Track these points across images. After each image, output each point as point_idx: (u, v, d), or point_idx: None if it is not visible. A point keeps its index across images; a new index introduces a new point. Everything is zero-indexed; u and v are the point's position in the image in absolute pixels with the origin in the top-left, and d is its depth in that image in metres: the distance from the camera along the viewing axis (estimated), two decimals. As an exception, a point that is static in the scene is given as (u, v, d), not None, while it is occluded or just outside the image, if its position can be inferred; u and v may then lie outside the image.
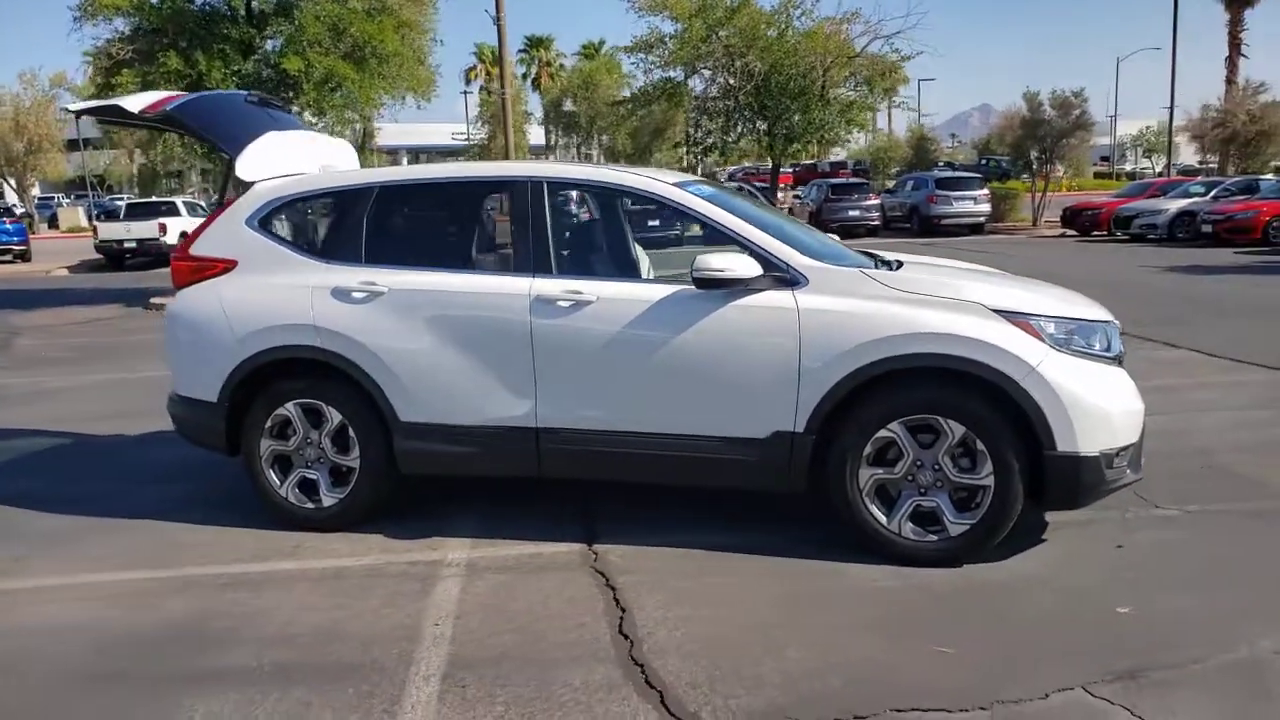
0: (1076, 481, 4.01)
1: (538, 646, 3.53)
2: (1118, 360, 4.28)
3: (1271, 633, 3.45)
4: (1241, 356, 8.56)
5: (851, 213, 26.95)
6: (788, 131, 15.19)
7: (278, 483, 4.82)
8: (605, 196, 5.34)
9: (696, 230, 4.73)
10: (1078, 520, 4.59)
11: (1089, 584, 3.96)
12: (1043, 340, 4.04)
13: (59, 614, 3.96)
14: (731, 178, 35.06)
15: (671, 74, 16.38)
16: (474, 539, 4.62)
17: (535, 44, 59.52)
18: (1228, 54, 35.62)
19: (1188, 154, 72.25)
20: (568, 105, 34.89)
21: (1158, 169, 66.38)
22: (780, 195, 27.35)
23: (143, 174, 45.81)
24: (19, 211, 36.91)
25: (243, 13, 15.54)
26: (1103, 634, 3.51)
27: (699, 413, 4.29)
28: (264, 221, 4.91)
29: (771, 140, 15.39)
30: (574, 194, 5.57)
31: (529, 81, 59.16)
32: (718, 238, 4.39)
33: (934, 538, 4.14)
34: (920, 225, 26.95)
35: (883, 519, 4.17)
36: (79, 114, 5.45)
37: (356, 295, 4.61)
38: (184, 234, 26.98)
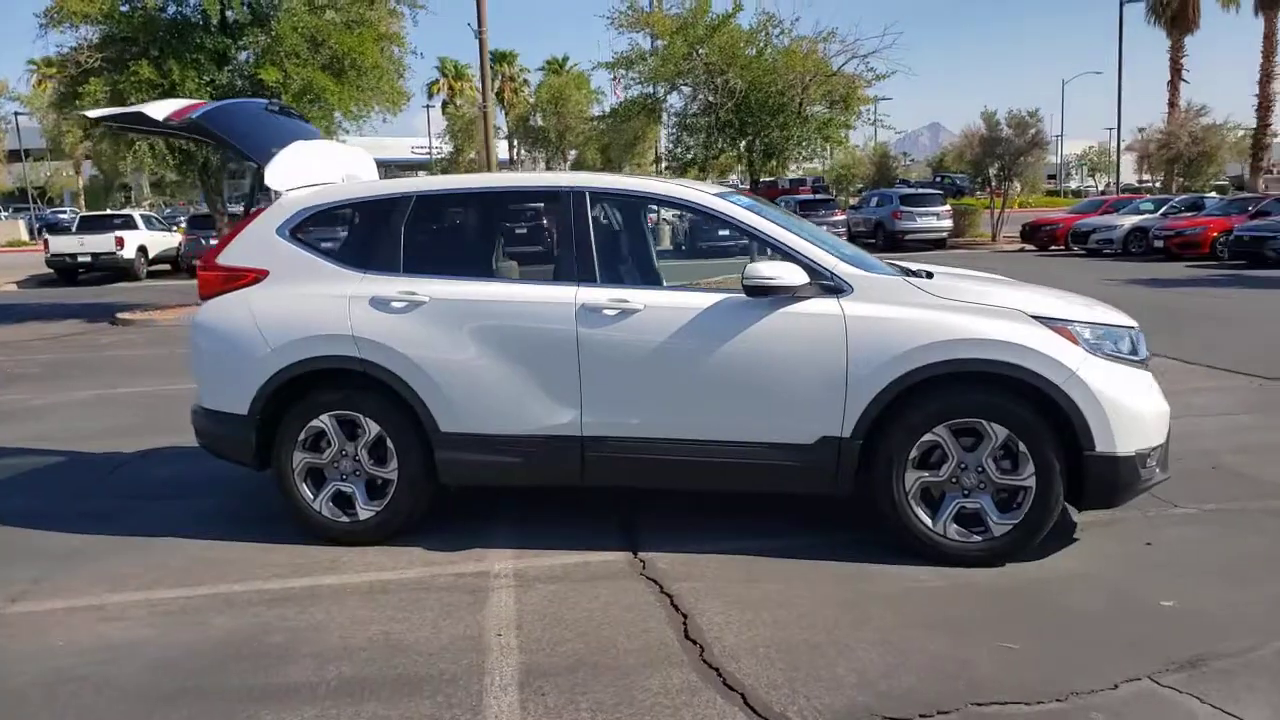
0: (1115, 481, 4.13)
1: (608, 653, 3.54)
2: (1144, 363, 4.42)
3: (1317, 623, 3.58)
4: (1217, 364, 8.86)
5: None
6: (766, 147, 15.38)
7: (311, 496, 4.76)
8: (647, 207, 5.38)
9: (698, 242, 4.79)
10: (1103, 520, 4.72)
11: (1128, 580, 4.07)
12: (1080, 345, 4.16)
13: (99, 634, 3.87)
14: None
15: (651, 90, 16.53)
16: (516, 549, 4.61)
17: (499, 59, 59.29)
18: (1169, 78, 36.77)
19: (1128, 173, 74.34)
20: (537, 120, 34.88)
21: (1100, 187, 68.26)
22: None
23: (93, 186, 44.78)
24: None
25: (216, 22, 15.32)
26: (1153, 627, 3.61)
27: (746, 419, 4.34)
28: (296, 231, 4.87)
29: (751, 156, 15.56)
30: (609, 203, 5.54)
31: (489, 95, 59.07)
32: (761, 247, 4.45)
33: (978, 538, 4.23)
34: (885, 240, 27.38)
35: (928, 521, 4.25)
36: (97, 121, 5.35)
37: (396, 305, 4.59)
38: (142, 248, 26.54)
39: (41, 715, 3.25)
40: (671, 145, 17.26)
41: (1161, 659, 3.33)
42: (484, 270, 4.84)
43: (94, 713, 3.26)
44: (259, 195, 5.19)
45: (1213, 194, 28.25)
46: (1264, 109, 33.15)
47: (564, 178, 4.80)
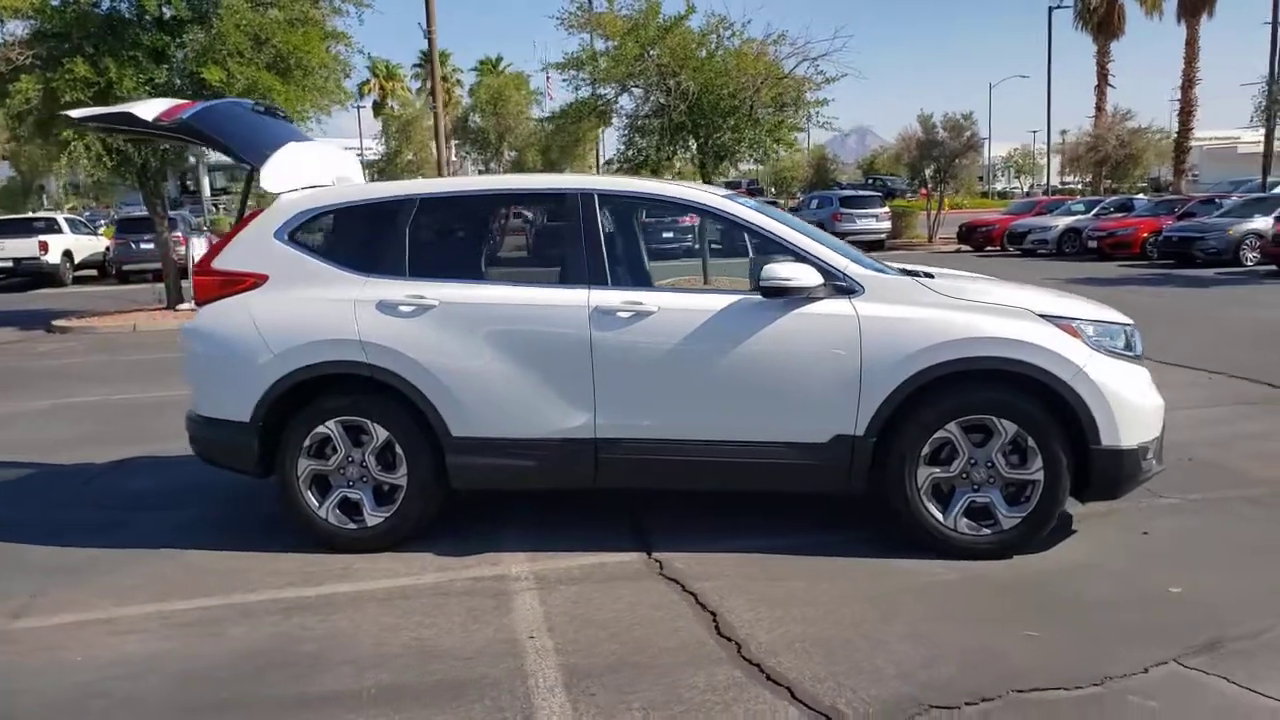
0: (1119, 474, 4.28)
1: (646, 653, 3.55)
2: (1140, 359, 4.58)
3: (1318, 604, 3.77)
4: (1167, 359, 9.18)
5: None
6: (718, 149, 15.51)
7: (316, 504, 4.68)
8: (654, 209, 5.40)
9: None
10: (1099, 511, 4.88)
11: (1132, 568, 4.22)
12: (1084, 342, 4.30)
13: (117, 648, 3.76)
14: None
15: (603, 91, 16.54)
16: (529, 552, 4.60)
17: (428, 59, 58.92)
18: (1096, 83, 38.02)
19: (1053, 174, 76.53)
20: (475, 120, 34.62)
21: (1025, 189, 70.28)
22: None
23: (10, 187, 43.03)
24: None
25: (153, 18, 14.88)
26: (1166, 612, 3.76)
27: (761, 419, 4.39)
28: (295, 234, 4.78)
29: (703, 158, 15.68)
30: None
31: (420, 96, 58.40)
32: (772, 249, 4.51)
33: (988, 531, 4.34)
34: (825, 241, 27.78)
35: (939, 516, 4.35)
36: (81, 121, 5.17)
37: (404, 309, 4.54)
38: (67, 253, 25.65)
39: (73, 733, 3.16)
40: (623, 147, 17.33)
41: (1181, 643, 3.46)
42: (491, 273, 4.82)
43: (130, 729, 3.18)
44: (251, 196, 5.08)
45: (1141, 195, 29.31)
46: (1186, 114, 34.51)
47: (572, 180, 4.81)
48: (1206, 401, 7.51)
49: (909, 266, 5.18)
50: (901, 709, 3.09)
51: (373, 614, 3.99)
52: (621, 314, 4.42)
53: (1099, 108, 37.54)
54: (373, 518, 4.66)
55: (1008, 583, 4.11)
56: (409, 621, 3.90)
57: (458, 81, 61.91)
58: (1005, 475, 4.32)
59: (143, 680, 3.48)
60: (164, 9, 14.85)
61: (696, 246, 6.81)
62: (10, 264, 24.15)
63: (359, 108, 51.84)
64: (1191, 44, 34.19)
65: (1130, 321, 4.64)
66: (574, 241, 4.57)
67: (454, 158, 42.67)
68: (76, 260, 25.98)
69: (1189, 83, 34.26)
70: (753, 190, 42.10)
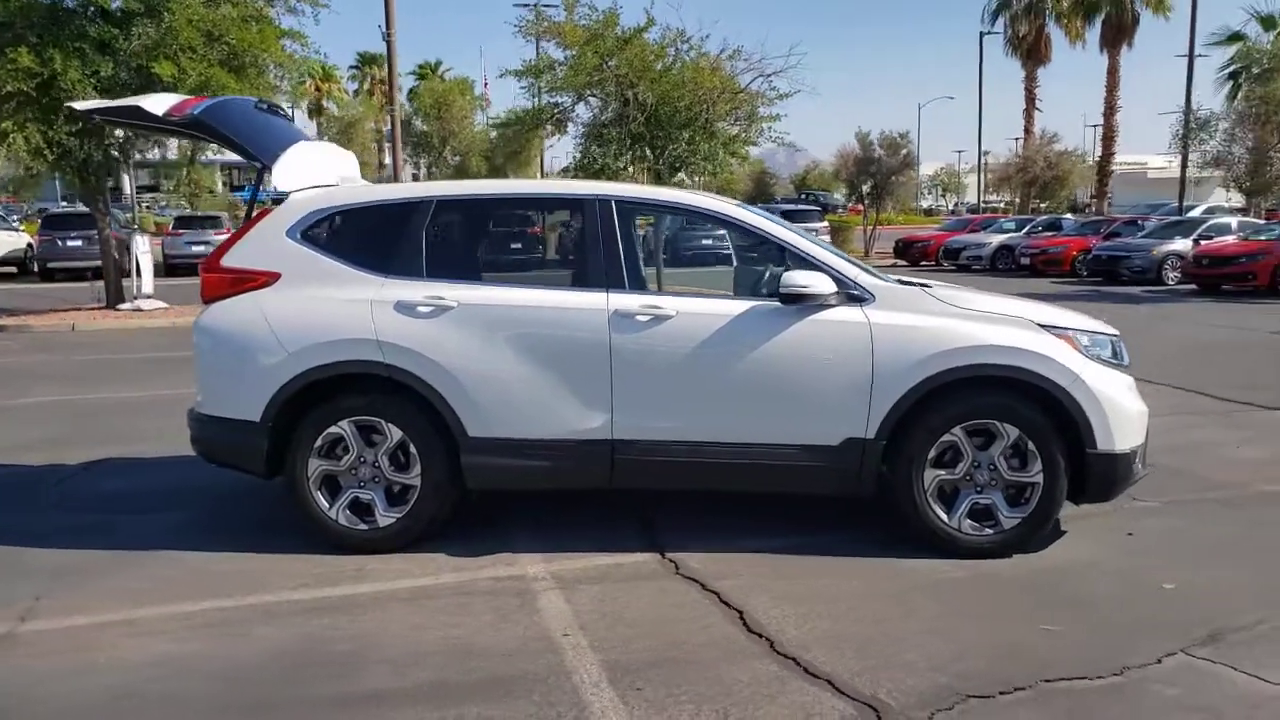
0: (1113, 476, 4.51)
1: (682, 649, 3.63)
2: (1127, 368, 4.83)
3: (1302, 599, 4.03)
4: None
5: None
6: (674, 161, 15.69)
7: (327, 505, 4.66)
8: (670, 216, 5.49)
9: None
10: (1082, 514, 5.10)
11: (1125, 566, 4.45)
12: (1080, 351, 4.53)
13: (143, 649, 3.69)
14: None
15: (560, 99, 16.59)
16: (543, 553, 4.63)
17: (367, 61, 58.09)
18: (1025, 106, 39.47)
19: (976, 193, 78.89)
20: (418, 125, 34.26)
21: (950, 207, 72.33)
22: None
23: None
24: None
25: (99, 9, 14.47)
26: (1164, 607, 3.98)
27: (775, 422, 4.51)
28: (307, 233, 4.76)
29: (658, 169, 15.85)
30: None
31: (358, 98, 57.65)
32: (788, 258, 4.64)
33: (990, 531, 4.53)
34: (768, 253, 28.24)
35: (944, 517, 4.52)
36: (85, 114, 5.04)
37: (422, 310, 4.55)
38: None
39: (115, 734, 3.11)
40: (580, 156, 17.38)
41: (1185, 635, 3.67)
42: (508, 276, 4.86)
43: (176, 728, 3.14)
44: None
45: (1069, 215, 30.44)
46: (1108, 139, 35.99)
47: (589, 187, 4.88)
48: (1157, 411, 7.82)
49: (905, 278, 5.36)
50: (940, 699, 3.23)
51: (398, 614, 3.99)
52: (640, 317, 4.51)
53: (1027, 130, 38.91)
54: (385, 518, 4.65)
55: (1013, 580, 4.29)
56: (436, 621, 3.91)
57: (398, 85, 61.19)
58: (1006, 477, 4.52)
59: (177, 681, 3.43)
60: (113, 1, 14.46)
61: (690, 254, 6.91)
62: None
63: (293, 108, 50.89)
64: (1113, 73, 35.70)
65: (1117, 332, 4.89)
66: (592, 246, 4.64)
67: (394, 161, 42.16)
68: (-4, 256, 25.04)
69: (1110, 109, 35.75)
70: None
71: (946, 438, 4.48)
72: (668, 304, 4.54)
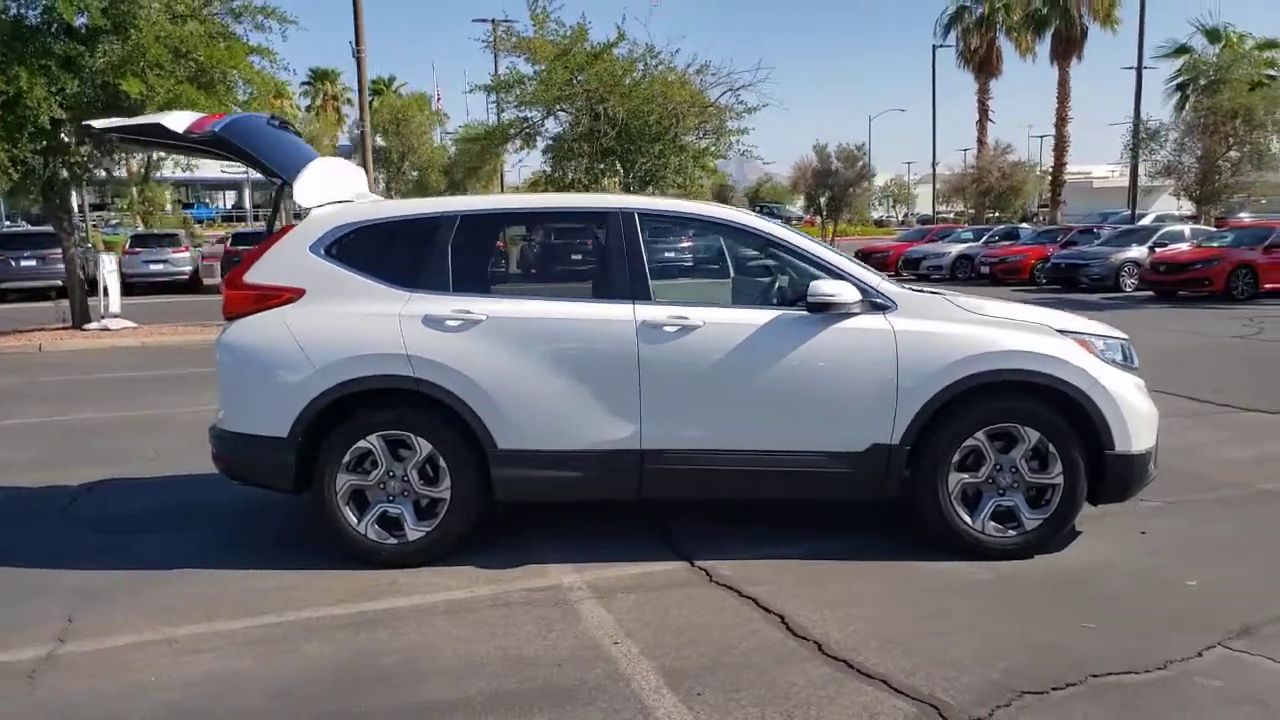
0: (1129, 477, 4.65)
1: (733, 654, 3.68)
2: (1138, 371, 4.98)
3: (1318, 590, 4.19)
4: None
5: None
6: (645, 175, 15.79)
7: (355, 520, 4.64)
8: (697, 229, 5.55)
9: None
10: (1092, 515, 5.24)
11: (1143, 564, 4.58)
12: (1097, 355, 4.67)
13: (192, 667, 3.65)
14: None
15: (529, 114, 16.63)
16: (573, 564, 4.65)
17: (320, 77, 57.69)
18: (978, 118, 40.30)
19: (925, 204, 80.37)
20: (376, 140, 34.10)
21: (900, 217, 73.57)
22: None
23: None
24: None
25: (64, 27, 14.23)
26: (1192, 603, 4.11)
27: (802, 429, 4.59)
28: (331, 249, 4.75)
29: (628, 182, 15.95)
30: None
31: (311, 114, 57.18)
32: (810, 267, 4.72)
33: (1013, 533, 4.64)
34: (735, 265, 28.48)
35: (968, 519, 4.62)
36: (102, 131, 4.98)
37: (451, 324, 4.57)
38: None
39: (180, 754, 3.08)
40: (550, 170, 17.43)
41: (1218, 629, 3.80)
42: (533, 289, 4.89)
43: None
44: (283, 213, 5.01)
45: (1025, 225, 31.13)
46: (1060, 149, 36.88)
47: (613, 199, 4.94)
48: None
49: (919, 286, 5.48)
50: (995, 695, 3.31)
51: (442, 627, 3.99)
52: (668, 328, 4.56)
53: (980, 141, 39.74)
54: (414, 532, 4.64)
55: (1037, 580, 4.40)
56: (481, 632, 3.92)
57: (348, 100, 61.06)
58: (1028, 480, 4.63)
59: (233, 698, 3.41)
60: (78, 18, 14.23)
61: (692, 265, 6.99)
62: None
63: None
64: (1064, 85, 36.63)
65: (1126, 336, 5.04)
66: (617, 258, 4.69)
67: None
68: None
69: (1062, 120, 36.66)
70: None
71: (970, 442, 4.59)
72: (694, 314, 4.60)
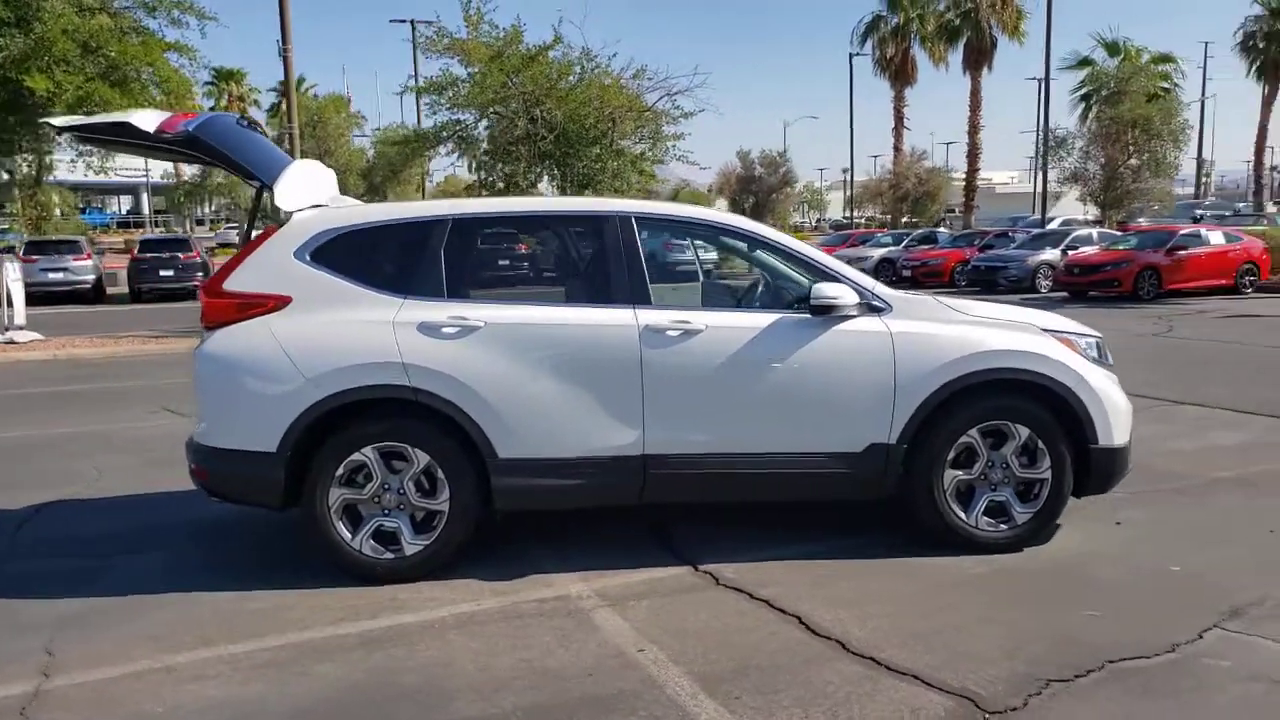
0: (1112, 469, 4.82)
1: (761, 656, 3.68)
2: (1112, 367, 5.16)
3: (1295, 573, 4.40)
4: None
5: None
6: (582, 179, 15.74)
7: (349, 535, 4.49)
8: (690, 233, 5.53)
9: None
10: (1068, 507, 5.40)
11: (1127, 553, 4.75)
12: (1081, 354, 4.83)
13: (199, 695, 3.48)
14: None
15: (462, 116, 16.40)
16: (576, 572, 4.60)
17: (225, 76, 55.76)
18: (894, 125, 41.34)
19: (835, 210, 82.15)
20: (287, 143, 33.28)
21: (813, 223, 75.06)
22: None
23: None
24: None
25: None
26: (1180, 587, 4.28)
27: (803, 431, 4.62)
28: (317, 255, 4.60)
29: (564, 186, 15.86)
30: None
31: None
32: (808, 271, 4.77)
33: (1004, 527, 4.76)
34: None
35: (963, 515, 4.72)
36: (63, 129, 4.69)
37: (448, 331, 4.47)
38: None
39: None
40: (484, 174, 17.23)
41: (1211, 612, 3.96)
42: (530, 294, 4.82)
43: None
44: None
45: (943, 229, 32.07)
46: (973, 156, 38.08)
47: (610, 203, 4.90)
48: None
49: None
50: (1025, 686, 3.38)
51: (456, 642, 3.89)
52: (671, 332, 4.55)
53: (897, 148, 40.76)
54: (411, 546, 4.52)
55: (1033, 572, 4.52)
56: (500, 646, 3.84)
57: (255, 101, 59.45)
58: (1018, 475, 4.76)
59: (255, 724, 3.26)
60: (-21, 11, 13.56)
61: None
62: None
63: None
64: (976, 94, 37.88)
65: (1100, 335, 5.22)
66: (616, 262, 4.65)
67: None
68: None
69: (974, 129, 37.89)
70: None
71: (964, 439, 4.69)
72: (696, 318, 4.60)
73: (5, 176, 17.08)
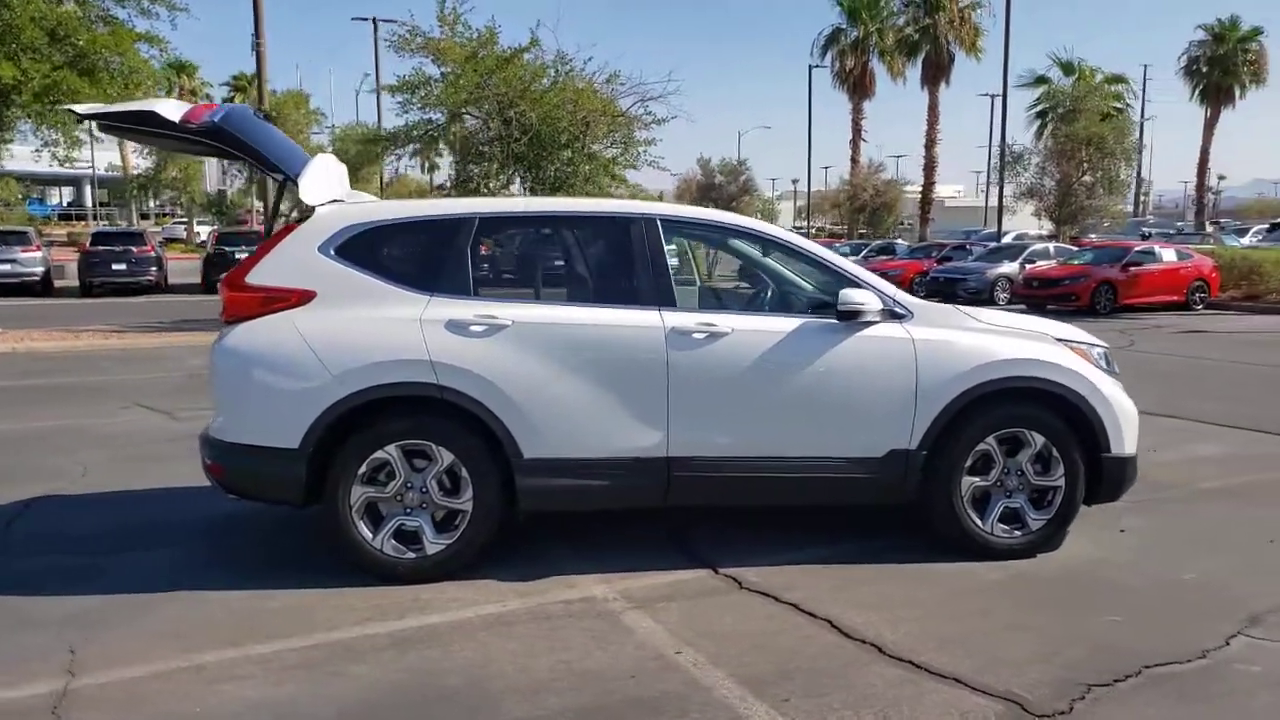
0: (1122, 477, 4.91)
1: (801, 659, 3.69)
2: (1118, 376, 5.27)
3: (1301, 581, 4.53)
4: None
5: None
6: (553, 181, 15.69)
7: (370, 534, 4.42)
8: (716, 236, 5.52)
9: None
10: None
11: (1138, 560, 4.85)
12: (1094, 363, 4.93)
13: (237, 696, 3.40)
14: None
15: (433, 116, 16.22)
16: (596, 574, 4.57)
17: (177, 69, 54.60)
18: (851, 137, 41.86)
19: (785, 219, 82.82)
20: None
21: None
22: None
23: None
24: None
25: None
26: (1197, 595, 4.37)
27: (824, 436, 4.65)
28: (342, 250, 4.52)
29: (536, 188, 15.80)
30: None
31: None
32: (833, 277, 4.81)
33: (1019, 534, 4.83)
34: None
35: (979, 521, 4.79)
36: (86, 117, 4.55)
37: (475, 329, 4.42)
38: None
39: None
40: (455, 174, 17.08)
41: (1231, 618, 4.05)
42: (556, 293, 4.79)
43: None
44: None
45: (901, 240, 32.55)
46: (929, 169, 38.73)
47: (636, 205, 4.90)
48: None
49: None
50: (1067, 690, 3.43)
51: (490, 643, 3.85)
52: (697, 335, 4.55)
53: (854, 160, 41.27)
54: (433, 545, 4.46)
55: (1050, 578, 4.59)
56: (535, 647, 3.80)
57: (207, 96, 58.29)
58: (1033, 482, 4.84)
59: (300, 727, 3.19)
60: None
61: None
62: None
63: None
64: (933, 109, 38.53)
65: (1107, 345, 5.34)
66: (641, 264, 4.65)
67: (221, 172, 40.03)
68: None
69: (931, 142, 38.54)
70: None
71: (981, 446, 4.75)
72: (722, 321, 4.61)
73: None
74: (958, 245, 28.23)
